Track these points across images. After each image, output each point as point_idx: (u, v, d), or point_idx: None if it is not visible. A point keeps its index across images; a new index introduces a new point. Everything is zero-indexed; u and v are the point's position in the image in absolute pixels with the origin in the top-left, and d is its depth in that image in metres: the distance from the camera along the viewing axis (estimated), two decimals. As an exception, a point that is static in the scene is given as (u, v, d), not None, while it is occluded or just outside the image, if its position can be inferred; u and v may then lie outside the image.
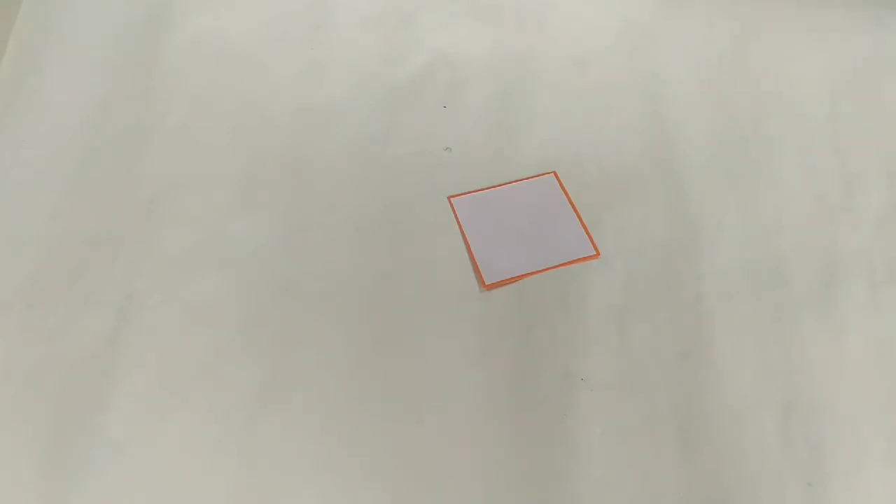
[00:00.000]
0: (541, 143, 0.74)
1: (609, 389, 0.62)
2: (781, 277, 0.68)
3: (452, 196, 0.71)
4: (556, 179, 0.71)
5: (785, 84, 0.78)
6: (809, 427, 0.61)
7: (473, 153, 0.73)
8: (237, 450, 0.60)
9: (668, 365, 0.64)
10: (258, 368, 0.63)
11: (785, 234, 0.70)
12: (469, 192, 0.71)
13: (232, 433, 0.60)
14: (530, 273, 0.67)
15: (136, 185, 0.71)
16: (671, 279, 0.67)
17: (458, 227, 0.69)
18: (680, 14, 0.83)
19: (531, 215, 0.70)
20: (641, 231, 0.69)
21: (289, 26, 0.81)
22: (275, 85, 0.77)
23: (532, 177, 0.72)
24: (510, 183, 0.71)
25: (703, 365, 0.64)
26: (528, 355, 0.64)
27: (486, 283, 0.66)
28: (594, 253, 0.67)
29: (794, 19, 0.82)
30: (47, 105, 0.75)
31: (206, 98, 0.76)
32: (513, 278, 0.66)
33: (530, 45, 0.80)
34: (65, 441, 0.60)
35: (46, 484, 0.58)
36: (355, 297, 0.66)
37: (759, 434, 0.61)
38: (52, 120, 0.74)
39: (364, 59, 0.79)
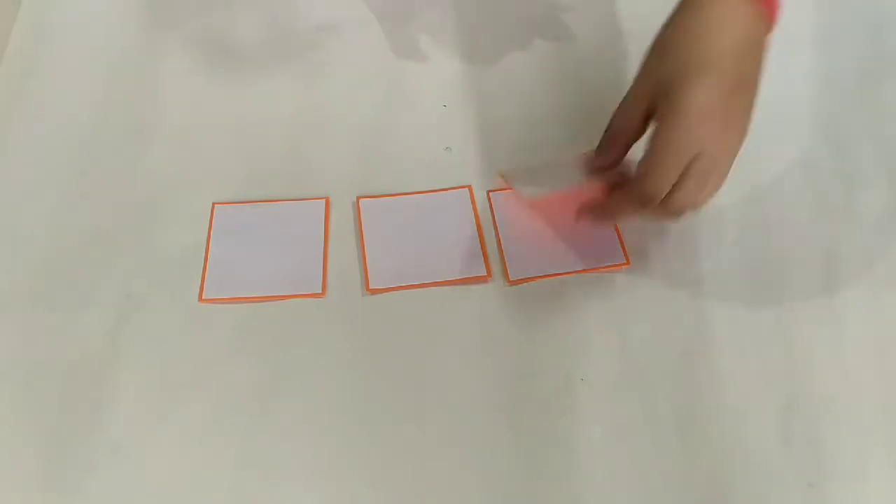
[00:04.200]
0: (542, 144, 0.74)
1: (609, 389, 0.62)
2: (782, 277, 0.68)
3: (361, 197, 0.70)
4: (469, 194, 0.70)
5: (785, 84, 0.78)
6: (810, 427, 0.61)
7: (474, 153, 0.73)
8: (237, 450, 0.60)
9: (668, 365, 0.63)
10: (258, 369, 0.63)
11: (785, 233, 0.70)
12: (378, 196, 0.70)
13: (232, 434, 0.61)
14: (416, 285, 0.66)
15: (136, 185, 0.71)
16: (671, 279, 0.67)
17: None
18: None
19: (435, 227, 0.69)
20: (641, 230, 0.69)
21: (290, 26, 0.80)
22: (275, 84, 0.77)
23: (447, 189, 0.71)
24: (423, 192, 0.70)
25: (702, 365, 0.64)
26: (528, 355, 0.64)
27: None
28: (485, 273, 0.67)
29: (794, 19, 0.82)
30: (47, 105, 0.75)
31: (207, 98, 0.76)
32: (397, 287, 0.66)
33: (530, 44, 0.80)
34: (64, 441, 0.60)
35: (46, 484, 0.58)
36: (355, 296, 0.66)
37: (759, 434, 0.61)
38: (52, 120, 0.74)
39: (364, 59, 0.79)
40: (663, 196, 0.59)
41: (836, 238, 0.70)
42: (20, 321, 0.65)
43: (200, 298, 0.65)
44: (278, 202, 0.70)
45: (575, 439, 0.61)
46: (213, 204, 0.70)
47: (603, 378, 0.63)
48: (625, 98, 0.63)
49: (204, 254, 0.67)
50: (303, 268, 0.67)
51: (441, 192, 0.70)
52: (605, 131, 0.64)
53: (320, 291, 0.66)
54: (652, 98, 0.60)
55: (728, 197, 0.71)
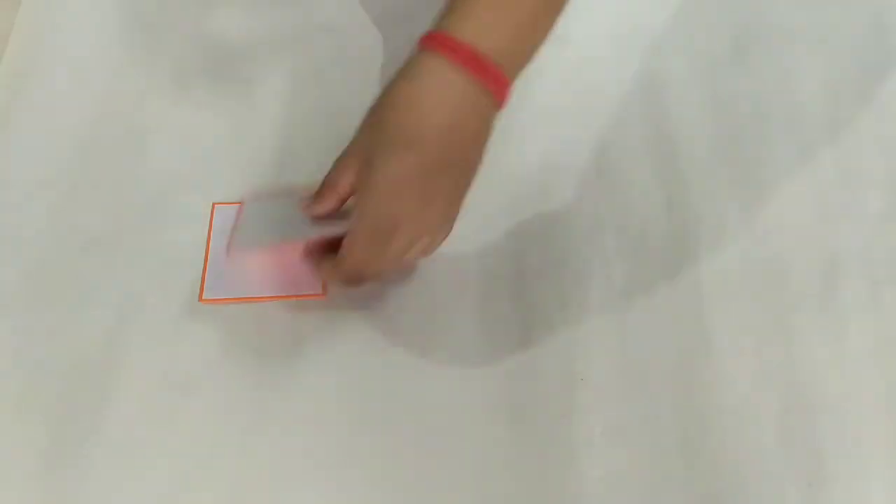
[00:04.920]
0: (541, 143, 0.74)
1: (609, 389, 0.62)
2: (781, 277, 0.68)
3: (217, 203, 0.69)
4: None
5: (785, 84, 0.78)
6: (809, 427, 0.61)
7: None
8: (237, 450, 0.60)
9: (668, 365, 0.63)
10: (258, 369, 0.63)
11: (785, 233, 0.70)
12: (235, 203, 0.69)
13: (232, 433, 0.61)
14: (253, 298, 0.65)
15: (135, 185, 0.71)
16: (671, 279, 0.67)
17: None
18: (681, 15, 0.82)
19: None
20: (641, 231, 0.69)
21: (290, 27, 0.80)
22: (275, 84, 0.77)
23: None
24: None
25: (703, 365, 0.64)
26: (528, 355, 0.64)
27: (203, 298, 0.65)
28: (320, 292, 0.66)
29: (794, 18, 0.82)
30: (47, 105, 0.75)
31: (207, 98, 0.76)
32: (234, 299, 0.65)
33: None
34: (65, 441, 0.60)
35: (46, 484, 0.58)
36: (355, 297, 0.66)
37: (759, 434, 0.61)
38: (52, 120, 0.74)
39: (364, 59, 0.78)
40: (368, 270, 0.60)
41: (836, 238, 0.70)
42: (20, 321, 0.65)
43: (200, 298, 0.65)
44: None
45: (575, 439, 0.61)
46: (213, 204, 0.70)
47: (603, 378, 0.63)
48: (341, 154, 0.60)
49: (204, 254, 0.67)
50: (303, 268, 0.67)
51: None
52: (322, 181, 0.61)
53: (320, 291, 0.66)
54: (360, 163, 0.58)
55: (727, 197, 0.71)
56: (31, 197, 0.70)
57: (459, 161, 0.58)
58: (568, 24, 0.81)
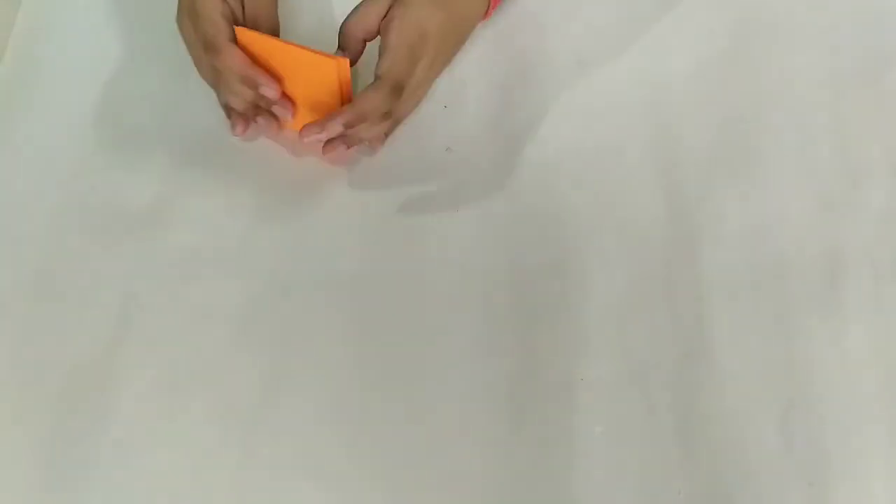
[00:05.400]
0: (541, 143, 0.74)
1: (609, 389, 0.62)
2: (783, 276, 0.68)
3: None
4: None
5: (786, 80, 0.78)
6: (810, 427, 0.61)
7: (474, 154, 0.73)
8: (238, 450, 0.60)
9: (668, 365, 0.64)
10: (259, 368, 0.63)
11: (787, 231, 0.70)
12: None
13: (233, 433, 0.61)
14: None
15: (136, 185, 0.71)
16: (671, 279, 0.67)
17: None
18: (680, 11, 0.82)
19: None
20: (641, 230, 0.69)
21: (292, 25, 0.80)
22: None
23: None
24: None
25: (703, 364, 0.64)
26: (528, 355, 0.64)
27: None
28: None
29: (795, 14, 0.82)
30: (47, 105, 0.75)
31: (208, 97, 0.76)
32: None
33: (530, 44, 0.80)
34: (66, 442, 0.60)
35: (47, 484, 0.58)
36: (356, 297, 0.66)
37: (760, 434, 0.61)
38: (52, 120, 0.74)
39: (364, 59, 0.78)
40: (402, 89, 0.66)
41: (837, 236, 0.69)
42: (20, 321, 0.65)
43: None
44: None
45: (575, 439, 0.61)
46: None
47: (603, 378, 0.63)
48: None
49: None
50: None
51: None
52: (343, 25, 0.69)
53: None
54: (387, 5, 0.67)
55: (728, 196, 0.71)
56: (32, 197, 0.70)
57: (453, 38, 0.71)
58: (567, 24, 0.82)
